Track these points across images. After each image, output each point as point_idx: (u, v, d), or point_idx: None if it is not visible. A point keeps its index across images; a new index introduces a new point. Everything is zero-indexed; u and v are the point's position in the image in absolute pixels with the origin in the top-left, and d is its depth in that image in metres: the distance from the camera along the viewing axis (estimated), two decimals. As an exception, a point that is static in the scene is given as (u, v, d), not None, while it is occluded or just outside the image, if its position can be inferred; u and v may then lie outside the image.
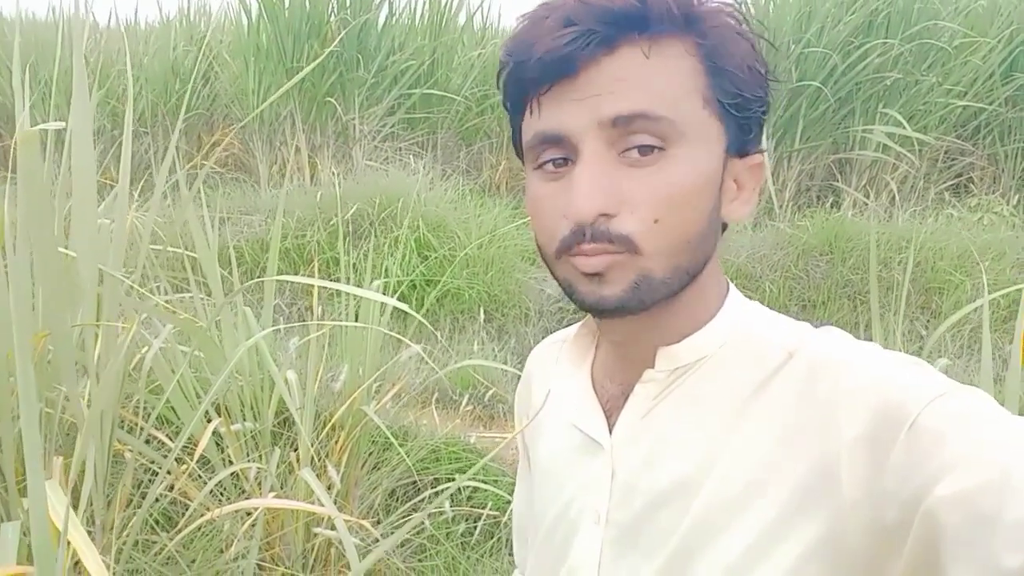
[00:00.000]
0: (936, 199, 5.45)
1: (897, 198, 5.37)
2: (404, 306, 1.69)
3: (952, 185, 5.86)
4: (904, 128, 5.03)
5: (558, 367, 0.73)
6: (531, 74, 0.54)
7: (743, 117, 0.56)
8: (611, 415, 0.64)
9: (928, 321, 4.34)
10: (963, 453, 0.45)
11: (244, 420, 1.97)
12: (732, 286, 0.64)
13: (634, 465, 0.61)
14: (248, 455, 1.95)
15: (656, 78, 0.53)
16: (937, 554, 0.44)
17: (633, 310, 0.56)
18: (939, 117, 5.60)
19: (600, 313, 0.58)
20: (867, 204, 5.37)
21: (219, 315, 1.81)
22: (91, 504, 1.48)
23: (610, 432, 0.63)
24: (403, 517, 2.33)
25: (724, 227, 0.61)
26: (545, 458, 0.72)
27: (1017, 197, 5.52)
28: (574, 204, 0.53)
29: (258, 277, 1.94)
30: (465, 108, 6.75)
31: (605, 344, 0.68)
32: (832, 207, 5.37)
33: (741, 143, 0.57)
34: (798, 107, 5.53)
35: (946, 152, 5.86)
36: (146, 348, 1.74)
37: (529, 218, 0.60)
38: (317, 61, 2.50)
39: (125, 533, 1.59)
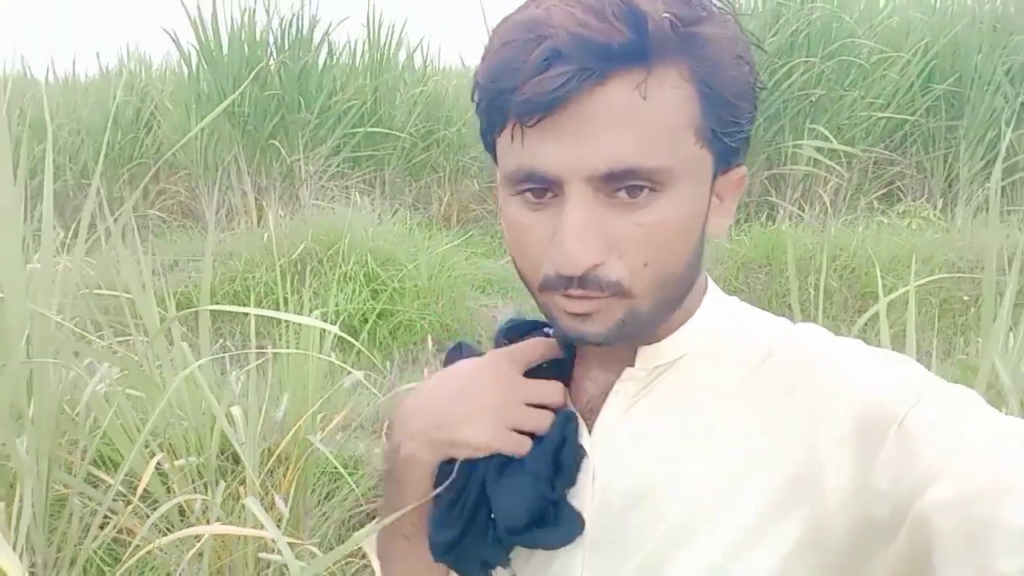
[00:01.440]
0: (867, 208, 5.67)
1: (830, 209, 5.58)
2: (337, 331, 1.74)
3: (883, 194, 6.10)
4: (831, 142, 5.24)
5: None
6: (516, 110, 0.49)
7: (735, 139, 0.53)
8: (590, 415, 0.62)
9: (866, 324, 4.50)
10: (955, 454, 0.44)
11: (188, 456, 1.99)
12: (711, 282, 0.62)
13: (614, 465, 0.60)
14: (195, 489, 1.97)
15: (649, 118, 0.49)
16: (929, 558, 0.43)
17: (616, 344, 0.55)
18: (864, 129, 5.85)
19: (581, 345, 0.58)
20: (802, 216, 5.56)
21: (152, 348, 1.83)
22: (30, 543, 1.49)
23: (589, 432, 0.62)
24: (355, 545, 2.34)
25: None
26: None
27: (942, 201, 5.76)
28: (563, 255, 0.50)
29: (200, 318, 1.97)
30: (411, 144, 6.85)
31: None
32: (768, 220, 5.55)
33: (728, 161, 0.55)
34: (731, 126, 5.72)
35: (875, 163, 6.11)
36: (85, 388, 1.76)
37: (506, 239, 0.58)
38: (225, 103, 2.54)
39: (72, 572, 1.60)
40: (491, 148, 0.57)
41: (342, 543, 2.30)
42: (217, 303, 4.06)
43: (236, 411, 2.06)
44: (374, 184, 6.51)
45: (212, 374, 2.50)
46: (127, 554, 1.68)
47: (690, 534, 0.55)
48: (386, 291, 4.38)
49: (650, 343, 0.59)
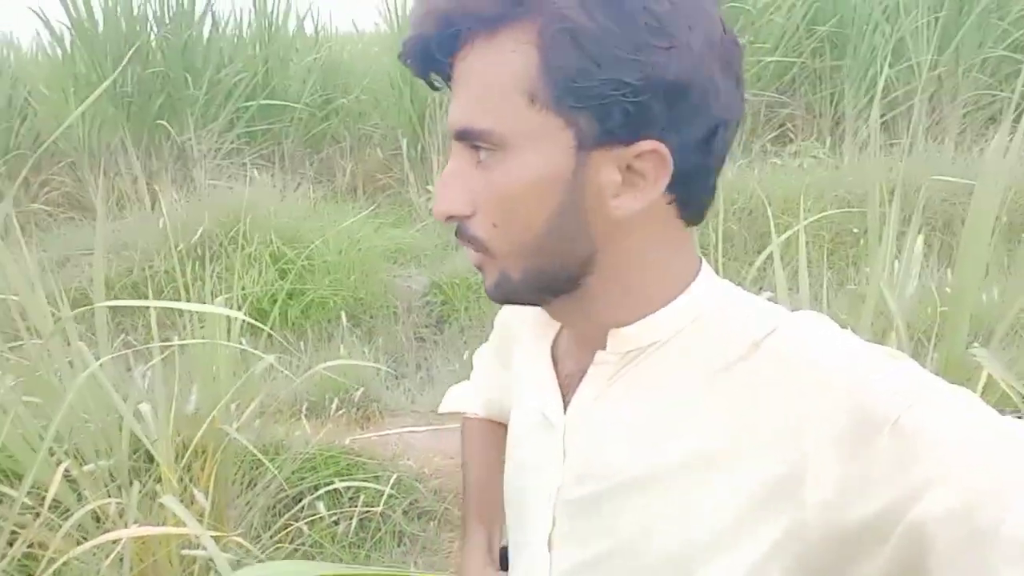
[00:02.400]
0: (761, 150, 5.85)
1: (727, 153, 5.73)
2: (244, 316, 1.70)
3: (776, 136, 6.31)
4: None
5: (524, 331, 0.72)
6: (420, 76, 0.57)
7: (594, 106, 0.49)
8: (567, 393, 0.63)
9: (764, 263, 4.69)
10: (953, 461, 0.43)
11: (98, 460, 1.92)
12: (705, 267, 0.59)
13: (585, 448, 0.60)
14: (108, 493, 1.91)
15: (481, 81, 0.52)
16: (924, 565, 0.42)
17: (506, 303, 0.60)
18: (755, 74, 6.02)
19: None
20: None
21: (48, 351, 1.76)
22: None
23: (565, 411, 0.63)
24: (282, 530, 2.33)
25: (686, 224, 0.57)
26: (512, 424, 0.73)
27: (831, 140, 6.01)
28: (433, 203, 0.57)
29: (97, 315, 1.89)
30: (308, 115, 6.65)
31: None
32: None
33: (604, 133, 0.50)
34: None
35: (767, 106, 6.30)
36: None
37: None
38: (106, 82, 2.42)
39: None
40: None
41: (269, 530, 2.29)
42: (114, 297, 3.89)
43: (145, 408, 2.00)
44: (273, 159, 6.31)
45: (115, 372, 2.41)
46: (40, 568, 1.62)
47: (665, 528, 0.54)
48: (294, 270, 4.29)
49: (621, 326, 0.58)
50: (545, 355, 0.67)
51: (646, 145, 0.51)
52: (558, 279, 0.57)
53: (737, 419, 0.52)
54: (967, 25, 5.78)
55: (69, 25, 5.56)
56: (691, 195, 0.55)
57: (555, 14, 0.49)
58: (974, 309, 2.13)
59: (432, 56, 0.54)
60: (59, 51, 5.86)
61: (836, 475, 0.47)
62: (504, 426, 0.87)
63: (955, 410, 0.46)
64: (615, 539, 0.57)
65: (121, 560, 1.77)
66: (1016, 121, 1.97)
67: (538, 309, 0.65)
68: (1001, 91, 5.92)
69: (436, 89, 0.57)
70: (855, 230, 4.66)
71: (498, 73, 0.51)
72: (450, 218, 0.55)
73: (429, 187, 5.89)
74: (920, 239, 2.48)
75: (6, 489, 1.75)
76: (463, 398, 0.98)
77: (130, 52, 5.23)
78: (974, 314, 2.20)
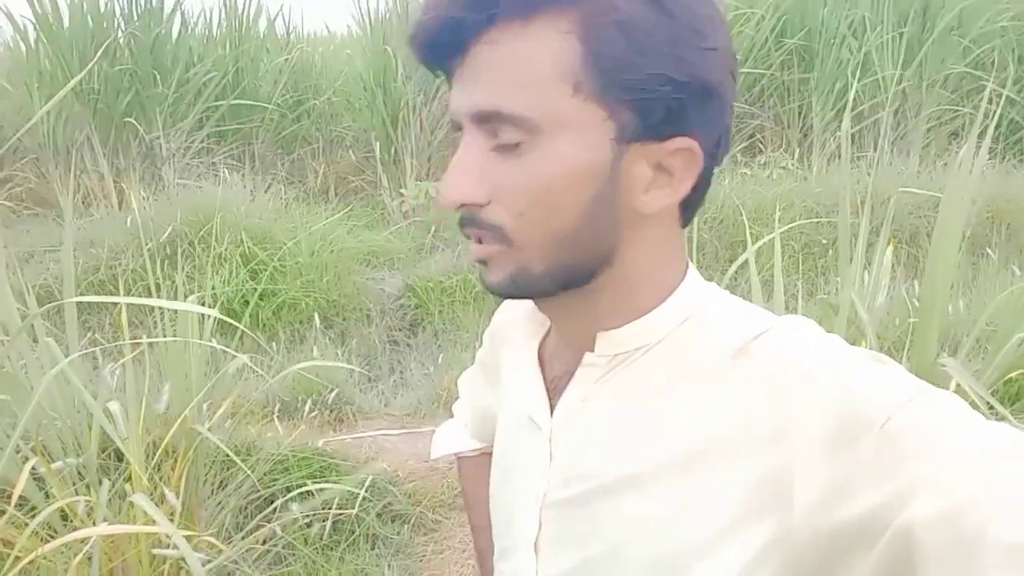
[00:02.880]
0: (731, 160, 5.93)
1: (698, 163, 5.79)
2: (218, 314, 1.68)
3: (746, 146, 6.40)
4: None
5: (515, 333, 0.71)
6: (425, 60, 0.54)
7: (639, 100, 0.50)
8: (555, 395, 0.63)
9: (737, 271, 4.75)
10: (940, 464, 0.43)
11: (66, 457, 1.88)
12: (692, 270, 0.59)
13: (571, 451, 0.60)
14: (76, 492, 1.86)
15: (519, 67, 0.50)
16: (913, 570, 0.42)
17: (515, 298, 0.57)
18: (726, 85, 6.10)
19: (491, 294, 0.57)
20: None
21: (15, 348, 1.71)
22: None
23: (552, 413, 0.62)
24: (255, 531, 2.30)
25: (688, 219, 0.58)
26: (499, 429, 0.72)
27: (799, 151, 6.12)
28: (443, 191, 0.53)
29: (66, 311, 1.85)
30: (279, 115, 6.60)
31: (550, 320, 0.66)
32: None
33: (644, 127, 0.51)
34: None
35: (737, 116, 6.39)
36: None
37: None
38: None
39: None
40: None
41: (240, 531, 2.25)
42: (82, 294, 3.81)
43: (114, 406, 1.96)
44: (243, 159, 6.24)
45: (84, 370, 2.36)
46: (6, 567, 1.58)
47: (652, 532, 0.54)
48: (266, 271, 4.24)
49: (610, 329, 0.58)
50: (532, 357, 0.67)
51: (681, 142, 0.52)
52: (579, 272, 0.55)
53: (725, 421, 0.52)
54: (930, 41, 5.93)
55: (34, 20, 5.44)
56: (696, 196, 0.56)
57: (603, 4, 0.49)
58: (942, 320, 2.18)
59: (456, 40, 0.52)
60: (23, 46, 5.73)
61: (823, 477, 0.47)
62: None
63: (941, 413, 0.46)
64: (603, 542, 0.57)
65: (90, 559, 1.73)
66: (980, 137, 2.02)
67: (530, 311, 0.68)
68: (963, 107, 6.08)
69: (437, 76, 0.56)
70: (824, 241, 4.74)
71: (537, 59, 0.50)
72: (463, 206, 0.53)
73: (402, 190, 5.87)
74: (889, 250, 2.53)
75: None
76: (453, 439, 0.95)
77: (98, 50, 5.13)
78: (942, 325, 2.25)
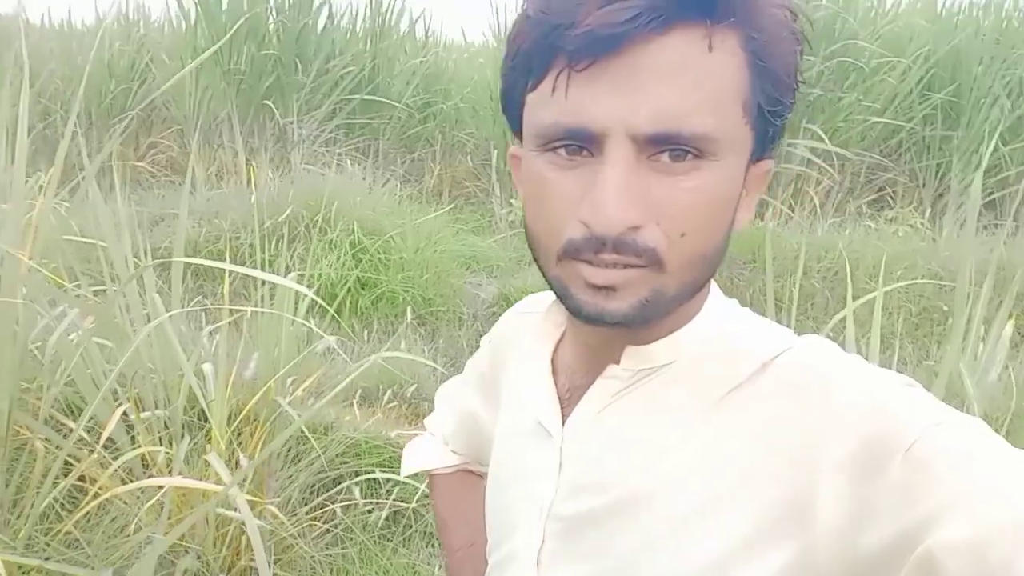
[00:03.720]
0: (856, 212, 5.68)
1: (819, 210, 5.59)
2: (311, 294, 1.74)
3: (874, 199, 6.12)
4: (825, 143, 5.25)
5: (522, 342, 0.69)
6: (570, 45, 0.46)
7: (775, 124, 0.51)
8: (567, 405, 0.61)
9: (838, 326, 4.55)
10: (968, 491, 0.42)
11: (156, 409, 1.99)
12: (714, 286, 0.59)
13: (583, 462, 0.58)
14: (160, 442, 1.97)
15: (706, 81, 0.47)
16: None
17: (633, 326, 0.52)
18: (860, 133, 5.85)
19: (593, 324, 0.52)
20: (791, 215, 5.57)
21: (124, 298, 1.83)
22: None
23: (563, 423, 0.60)
24: (317, 509, 2.36)
25: None
26: (499, 436, 0.70)
27: (931, 211, 5.79)
28: (600, 212, 0.47)
29: (173, 269, 1.97)
30: (407, 115, 6.80)
31: (573, 330, 0.63)
32: (756, 217, 5.57)
33: (763, 149, 0.52)
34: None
35: (868, 167, 6.12)
36: (53, 333, 1.75)
37: (524, 202, 0.54)
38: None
39: (30, 511, 1.60)
40: (515, 107, 0.53)
41: (305, 506, 2.32)
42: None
43: (207, 368, 2.06)
44: (367, 153, 6.47)
45: (187, 330, 2.50)
46: (86, 500, 1.68)
47: (667, 549, 0.52)
48: (370, 260, 4.37)
49: (641, 343, 0.56)
50: (544, 364, 0.64)
51: (769, 164, 0.54)
52: (696, 291, 0.54)
53: (745, 440, 0.51)
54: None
55: (196, 1, 5.84)
56: None
57: (763, 27, 0.48)
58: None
59: (622, 34, 0.45)
60: (183, 24, 6.16)
61: (847, 500, 0.45)
62: (477, 475, 0.87)
63: (969, 439, 0.44)
64: (611, 559, 0.55)
65: (161, 507, 1.82)
66: None
67: (542, 318, 0.66)
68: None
69: (534, 74, 0.49)
70: (944, 307, 4.46)
71: (725, 73, 0.47)
72: (628, 229, 0.48)
73: (512, 200, 5.93)
74: (1010, 325, 2.36)
75: (66, 420, 1.82)
76: (427, 454, 0.89)
77: (249, 34, 5.44)
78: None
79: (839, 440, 0.47)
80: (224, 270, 2.01)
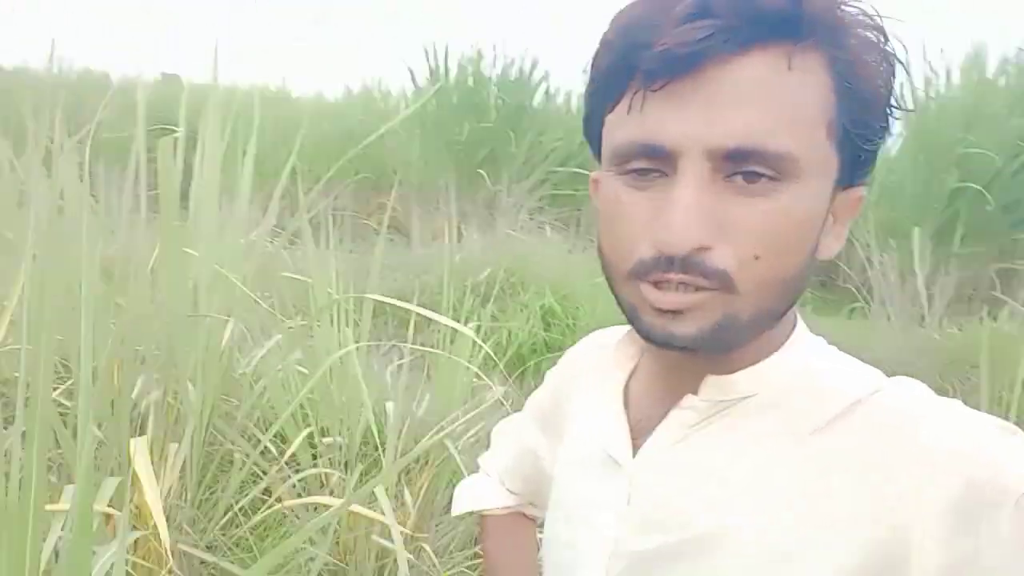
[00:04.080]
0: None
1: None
2: (485, 347, 1.82)
3: None
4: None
5: (592, 373, 0.67)
6: (646, 64, 0.46)
7: (864, 149, 0.50)
8: (639, 436, 0.58)
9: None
10: None
11: (336, 434, 2.15)
12: (800, 320, 0.57)
13: (655, 496, 0.55)
14: (334, 465, 2.12)
15: (786, 101, 0.46)
16: None
17: (705, 351, 0.50)
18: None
19: (662, 347, 0.51)
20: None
21: (318, 329, 2.02)
22: (183, 482, 1.69)
23: (634, 454, 0.58)
24: (474, 559, 2.39)
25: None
26: (562, 466, 0.68)
27: None
28: (669, 231, 0.46)
29: (364, 306, 2.15)
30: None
31: (649, 359, 0.61)
32: (990, 317, 5.00)
33: (852, 175, 0.51)
34: (957, 210, 5.27)
35: None
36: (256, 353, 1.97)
37: (599, 223, 0.53)
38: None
39: (214, 510, 1.78)
40: (596, 131, 0.53)
41: (463, 551, 2.36)
42: (402, 311, 4.34)
43: (389, 406, 2.20)
44: (569, 223, 6.66)
45: (375, 368, 2.69)
46: (264, 506, 1.84)
47: None
48: (559, 325, 4.45)
49: (723, 373, 0.53)
50: (616, 397, 0.62)
51: (861, 191, 0.53)
52: (775, 319, 0.52)
53: (836, 479, 0.48)
54: None
55: (428, 77, 6.43)
56: None
57: (848, 46, 0.47)
58: None
59: (700, 53, 0.45)
60: (414, 98, 6.79)
61: (947, 546, 0.44)
62: (530, 519, 0.85)
63: None
64: None
65: (326, 527, 1.94)
66: None
67: (615, 348, 0.63)
68: None
69: (609, 98, 0.50)
70: None
71: (808, 94, 0.47)
72: (696, 249, 0.47)
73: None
74: None
75: (257, 432, 2.02)
76: (479, 494, 0.86)
77: (469, 107, 5.88)
78: None
79: (937, 484, 0.45)
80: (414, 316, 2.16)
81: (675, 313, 0.48)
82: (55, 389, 1.66)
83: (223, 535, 1.79)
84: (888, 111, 0.50)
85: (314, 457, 2.11)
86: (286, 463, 1.97)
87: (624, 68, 0.48)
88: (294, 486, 1.92)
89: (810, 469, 0.50)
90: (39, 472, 1.04)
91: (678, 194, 0.46)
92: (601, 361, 0.66)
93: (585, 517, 0.60)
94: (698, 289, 0.48)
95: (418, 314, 2.03)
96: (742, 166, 0.46)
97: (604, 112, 0.52)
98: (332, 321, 2.14)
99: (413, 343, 2.41)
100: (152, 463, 1.55)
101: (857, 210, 0.53)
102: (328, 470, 2.02)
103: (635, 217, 0.49)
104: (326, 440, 2.13)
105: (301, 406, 2.11)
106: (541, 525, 0.75)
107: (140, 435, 1.56)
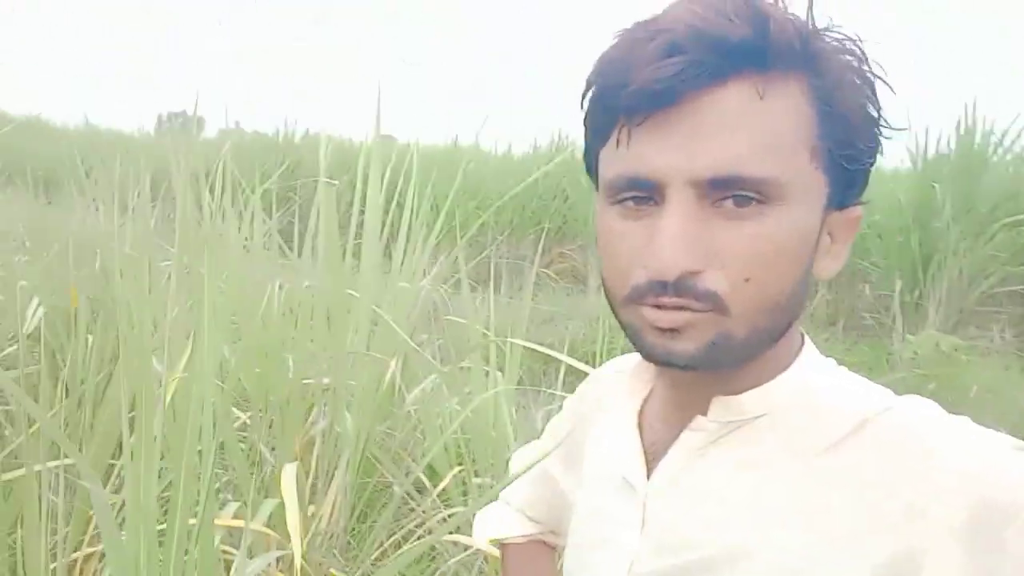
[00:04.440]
0: None
1: None
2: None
3: None
4: None
5: (608, 400, 0.69)
6: (625, 102, 0.49)
7: (851, 169, 0.51)
8: (653, 460, 0.59)
9: None
10: None
11: (485, 474, 2.22)
12: (807, 340, 0.58)
13: (668, 517, 0.56)
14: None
15: (763, 128, 0.48)
16: None
17: (704, 369, 0.51)
18: None
19: (664, 366, 0.53)
20: None
21: (472, 370, 2.12)
22: (336, 506, 1.83)
23: (648, 477, 0.59)
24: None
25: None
26: (582, 491, 0.69)
27: None
28: (658, 258, 0.48)
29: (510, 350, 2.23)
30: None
31: (662, 383, 0.62)
32: None
33: (844, 196, 0.52)
34: None
35: None
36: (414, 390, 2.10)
37: (599, 254, 0.56)
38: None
39: (367, 539, 1.91)
40: (592, 166, 0.56)
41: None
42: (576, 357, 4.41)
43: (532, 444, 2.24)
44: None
45: (532, 411, 2.75)
46: (413, 538, 1.94)
47: None
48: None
49: (730, 393, 0.55)
50: (631, 421, 0.63)
51: (857, 211, 0.54)
52: (772, 338, 0.53)
53: (847, 498, 0.49)
54: None
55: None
56: None
57: (829, 69, 0.49)
58: None
59: (679, 88, 0.47)
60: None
61: (960, 564, 0.44)
62: (551, 547, 0.84)
63: None
64: None
65: (473, 563, 2.01)
66: None
67: (630, 373, 0.65)
68: None
69: (598, 133, 0.53)
70: None
71: (785, 120, 0.48)
72: (686, 274, 0.48)
73: (910, 336, 5.34)
74: None
75: (411, 463, 2.14)
76: (499, 522, 0.86)
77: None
78: None
79: (952, 501, 0.45)
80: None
81: (673, 332, 0.50)
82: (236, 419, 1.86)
83: (373, 566, 1.90)
84: (876, 131, 0.51)
85: (464, 494, 2.20)
86: (439, 501, 2.06)
87: (609, 106, 0.51)
88: (445, 520, 2.00)
89: (822, 487, 0.50)
90: (209, 489, 1.17)
91: (665, 223, 0.49)
92: (617, 387, 0.67)
93: (604, 541, 0.62)
94: (692, 310, 0.50)
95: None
96: (725, 192, 0.48)
97: (596, 148, 0.55)
98: (486, 363, 2.23)
99: (569, 389, 2.45)
100: (316, 490, 1.70)
101: (855, 229, 0.55)
102: (476, 509, 2.09)
103: (628, 246, 0.52)
104: (475, 480, 2.21)
105: (457, 445, 2.21)
106: (562, 553, 0.75)
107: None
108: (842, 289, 6.77)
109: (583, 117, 0.55)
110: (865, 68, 0.50)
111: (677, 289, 0.49)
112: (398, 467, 2.05)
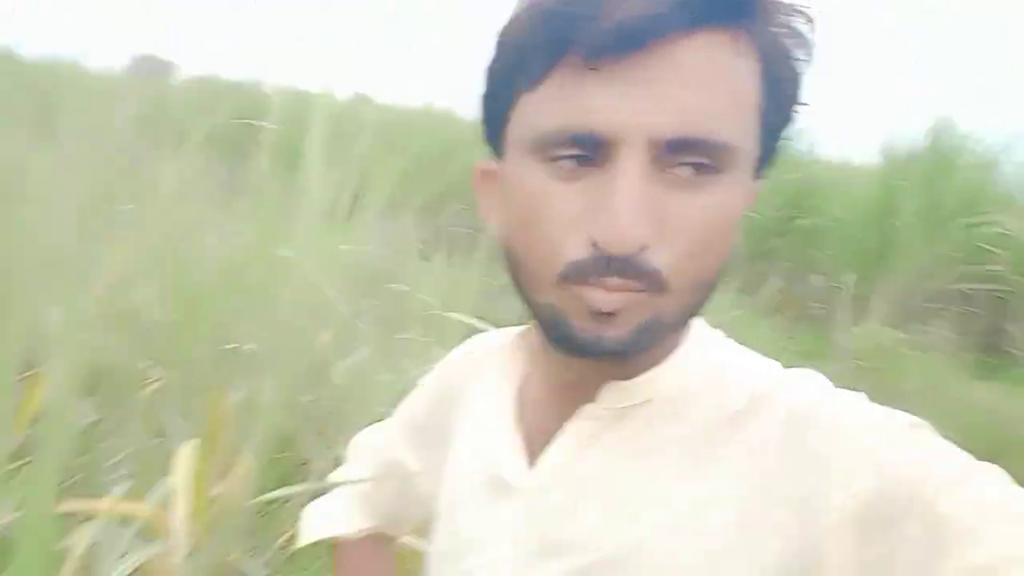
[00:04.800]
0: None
1: None
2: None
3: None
4: None
5: (476, 384, 0.61)
6: (592, 39, 0.40)
7: (782, 140, 0.47)
8: (534, 453, 0.53)
9: None
10: (993, 555, 0.36)
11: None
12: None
13: (555, 514, 0.51)
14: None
15: (732, 86, 0.42)
16: None
17: (625, 355, 0.45)
18: None
19: (584, 355, 0.46)
20: None
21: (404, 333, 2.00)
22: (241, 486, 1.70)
23: (529, 471, 0.53)
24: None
25: None
26: (448, 493, 0.60)
27: None
28: (614, 230, 0.41)
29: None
30: (763, 229, 6.62)
31: (544, 367, 0.55)
32: None
33: (766, 164, 0.48)
34: None
35: None
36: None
37: (508, 219, 0.47)
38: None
39: (278, 522, 1.79)
40: (500, 112, 0.47)
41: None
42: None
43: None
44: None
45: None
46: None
47: None
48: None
49: (624, 377, 0.49)
50: (507, 411, 0.56)
51: (760, 184, 0.50)
52: (690, 319, 0.48)
53: (743, 486, 0.45)
54: None
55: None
56: None
57: (779, 35, 0.44)
58: None
59: (647, 33, 0.40)
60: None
61: (860, 551, 0.40)
62: (392, 539, 0.76)
63: (994, 494, 0.39)
64: None
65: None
66: None
67: (501, 355, 0.59)
68: None
69: (535, 74, 0.43)
70: None
71: (744, 82, 0.43)
72: (642, 248, 0.42)
73: (854, 328, 5.42)
74: None
75: (336, 438, 2.01)
76: (332, 517, 0.74)
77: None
78: None
79: (845, 488, 0.41)
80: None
81: (610, 315, 0.44)
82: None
83: (281, 551, 1.77)
84: (799, 104, 0.47)
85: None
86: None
87: (557, 41, 0.42)
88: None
89: (717, 476, 0.46)
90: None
91: (620, 186, 0.41)
92: (486, 370, 0.60)
93: (476, 551, 0.55)
94: (633, 290, 0.43)
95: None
96: (683, 158, 0.42)
97: (517, 91, 0.45)
98: (427, 336, 2.13)
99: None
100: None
101: (753, 204, 0.48)
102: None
103: (564, 213, 0.44)
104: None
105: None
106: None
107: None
108: (793, 278, 6.83)
109: (500, 51, 0.46)
110: (809, 44, 0.45)
111: (624, 268, 0.42)
112: (321, 442, 1.92)
